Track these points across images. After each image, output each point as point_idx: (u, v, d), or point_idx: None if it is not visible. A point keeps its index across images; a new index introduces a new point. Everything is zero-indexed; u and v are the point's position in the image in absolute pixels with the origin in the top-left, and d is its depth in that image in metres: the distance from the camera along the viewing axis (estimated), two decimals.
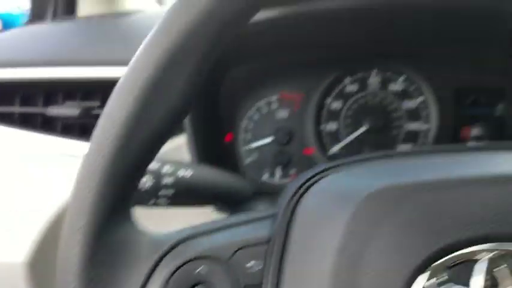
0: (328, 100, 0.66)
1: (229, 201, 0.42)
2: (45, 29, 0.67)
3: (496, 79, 0.63)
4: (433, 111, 0.64)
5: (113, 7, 0.78)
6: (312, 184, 0.28)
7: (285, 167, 0.67)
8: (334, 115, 0.67)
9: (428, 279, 0.23)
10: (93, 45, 0.58)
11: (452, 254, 0.23)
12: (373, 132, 0.65)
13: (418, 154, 0.30)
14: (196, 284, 0.26)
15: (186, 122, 0.55)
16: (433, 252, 0.23)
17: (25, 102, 0.59)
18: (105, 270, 0.25)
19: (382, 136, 0.66)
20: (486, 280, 0.22)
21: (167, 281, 0.26)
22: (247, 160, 0.68)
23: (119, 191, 0.24)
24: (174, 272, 0.26)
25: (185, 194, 0.39)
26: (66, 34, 0.63)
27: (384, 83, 0.65)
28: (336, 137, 0.67)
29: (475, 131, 0.64)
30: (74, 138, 0.55)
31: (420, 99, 0.65)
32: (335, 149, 0.67)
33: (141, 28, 0.62)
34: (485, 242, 0.23)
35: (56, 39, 0.62)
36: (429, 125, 0.64)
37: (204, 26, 0.24)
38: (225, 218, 0.29)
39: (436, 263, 0.23)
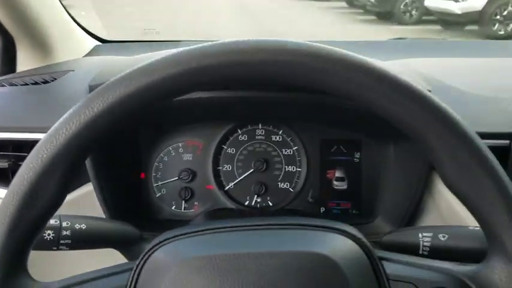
0: (225, 147, 0.83)
1: (119, 244, 0.57)
2: None
3: (354, 133, 0.81)
4: (303, 158, 0.81)
5: (47, 61, 0.91)
6: (162, 245, 0.43)
7: (189, 200, 0.83)
8: (229, 158, 0.83)
9: None
10: (20, 113, 0.72)
11: None
12: (259, 173, 0.82)
13: (231, 229, 0.45)
14: None
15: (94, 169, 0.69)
16: None
17: None
18: None
19: (266, 176, 0.82)
20: None
21: None
22: (158, 194, 0.83)
23: (14, 257, 0.39)
24: None
25: (81, 242, 0.53)
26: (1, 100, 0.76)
27: (268, 135, 0.82)
28: (231, 176, 0.83)
29: (338, 172, 0.82)
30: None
31: (295, 148, 0.82)
32: (230, 185, 0.83)
33: (60, 99, 0.76)
34: None
35: None
36: (301, 168, 0.82)
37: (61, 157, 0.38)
38: (96, 271, 0.44)
39: None
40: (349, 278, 0.39)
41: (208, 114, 0.80)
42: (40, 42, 0.91)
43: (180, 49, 0.39)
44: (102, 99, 0.38)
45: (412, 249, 0.54)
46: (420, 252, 0.54)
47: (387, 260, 0.42)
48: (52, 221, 0.53)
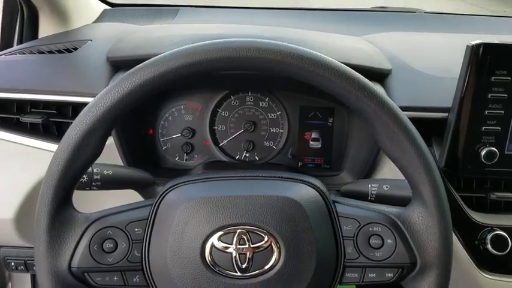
0: (219, 110, 0.98)
1: (137, 186, 0.75)
2: (14, 61, 0.93)
3: (328, 102, 0.96)
4: (285, 121, 0.97)
5: (65, 28, 1.04)
6: (173, 188, 0.59)
7: (190, 153, 1.00)
8: (223, 120, 0.99)
9: (217, 239, 0.54)
10: (50, 78, 0.87)
11: (225, 229, 0.54)
12: (248, 132, 0.98)
13: (225, 179, 0.60)
14: (106, 239, 0.56)
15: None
16: (217, 227, 0.54)
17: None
18: (59, 232, 0.54)
19: (254, 135, 0.99)
20: (239, 241, 0.54)
21: (91, 239, 0.55)
22: (164, 147, 0.99)
23: (64, 194, 0.54)
24: (95, 234, 0.55)
25: (108, 184, 0.70)
26: (30, 65, 0.90)
27: (256, 102, 0.98)
28: (224, 134, 0.99)
29: (314, 134, 0.98)
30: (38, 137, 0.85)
31: (278, 113, 0.98)
32: (224, 142, 1.00)
33: (82, 67, 0.90)
34: (237, 226, 0.54)
35: (22, 70, 0.89)
36: (283, 130, 0.98)
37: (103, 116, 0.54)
38: (124, 205, 0.60)
39: (218, 233, 0.54)
40: (309, 215, 0.56)
41: (206, 83, 0.95)
42: (59, 10, 1.03)
43: (189, 45, 0.53)
44: (130, 81, 0.53)
45: (363, 196, 0.72)
46: (369, 198, 0.72)
47: (339, 202, 0.60)
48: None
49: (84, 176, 0.69)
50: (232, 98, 0.98)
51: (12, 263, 0.90)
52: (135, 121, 0.93)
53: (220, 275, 0.54)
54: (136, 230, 0.57)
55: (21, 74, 0.88)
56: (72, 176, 0.55)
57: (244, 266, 0.54)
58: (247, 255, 0.54)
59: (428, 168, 0.54)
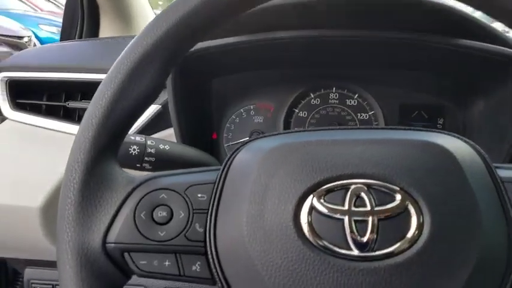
0: (296, 110, 0.81)
1: None
2: (71, 44, 0.84)
3: (435, 98, 0.77)
4: (380, 123, 0.78)
5: (126, 33, 0.95)
6: (248, 143, 0.40)
7: None
8: (300, 122, 0.81)
9: (319, 199, 0.34)
10: (104, 58, 0.75)
11: (332, 183, 0.34)
12: None
13: (320, 130, 0.42)
14: (158, 206, 0.39)
15: (176, 123, 0.68)
16: (317, 181, 0.34)
17: (50, 98, 0.75)
18: (94, 192, 0.37)
19: None
20: (353, 199, 0.34)
21: (137, 204, 0.37)
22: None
23: (107, 140, 0.38)
24: (142, 197, 0.38)
25: (164, 162, 0.53)
26: (86, 48, 0.80)
27: (342, 99, 0.80)
28: None
29: None
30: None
31: (371, 112, 0.78)
32: None
33: None
34: (351, 178, 0.34)
35: (78, 51, 0.79)
36: None
37: (167, 39, 0.38)
38: (184, 170, 0.42)
39: (320, 188, 0.34)
40: (465, 169, 0.35)
41: (280, 76, 0.79)
42: (122, 14, 0.96)
43: None
44: None
45: None
46: None
47: (501, 167, 0.38)
48: (138, 138, 0.53)
49: (134, 147, 0.52)
50: (312, 95, 0.80)
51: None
52: (196, 125, 0.77)
53: (326, 253, 0.33)
54: (199, 196, 0.38)
55: (72, 55, 0.77)
56: (119, 116, 0.38)
57: (364, 239, 0.32)
58: (369, 224, 0.33)
59: None
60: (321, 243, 0.33)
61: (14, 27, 4.63)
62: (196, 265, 0.37)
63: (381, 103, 0.78)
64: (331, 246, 0.33)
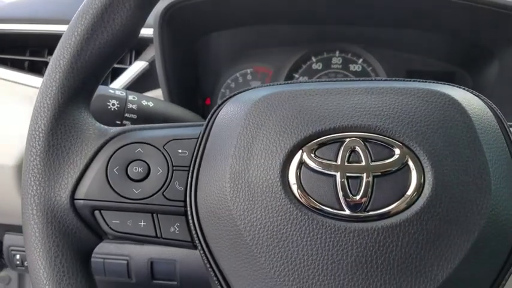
0: (296, 75, 0.76)
1: None
2: None
3: (446, 64, 0.71)
4: None
5: None
6: (238, 93, 0.36)
7: None
8: None
9: (310, 154, 0.30)
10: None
11: (324, 136, 0.30)
12: None
13: (316, 82, 0.37)
14: (133, 161, 0.35)
15: (164, 83, 0.63)
16: (308, 134, 0.30)
17: (33, 53, 0.70)
18: (62, 142, 0.33)
19: None
20: (347, 154, 0.29)
21: (109, 157, 0.34)
22: None
23: (77, 84, 0.33)
24: (116, 150, 0.34)
25: (146, 119, 0.48)
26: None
27: (345, 64, 0.74)
28: None
29: None
30: None
31: None
32: None
33: None
34: (345, 131, 0.30)
35: (63, 3, 0.73)
36: None
37: None
38: (166, 124, 0.38)
39: (311, 142, 0.30)
40: (474, 122, 0.30)
41: (280, 36, 0.74)
42: None
43: None
44: None
45: None
46: None
47: None
48: (118, 92, 0.48)
49: (113, 102, 0.47)
50: (313, 59, 0.75)
51: (18, 256, 0.68)
52: (187, 87, 0.72)
53: (314, 212, 0.29)
54: (180, 151, 0.34)
55: (55, 6, 0.72)
56: (90, 58, 0.34)
57: (357, 199, 0.28)
58: (364, 181, 0.29)
59: None
60: (309, 201, 0.29)
61: None
62: (175, 226, 0.33)
63: (386, 68, 0.73)
64: (320, 205, 0.29)
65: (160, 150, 0.34)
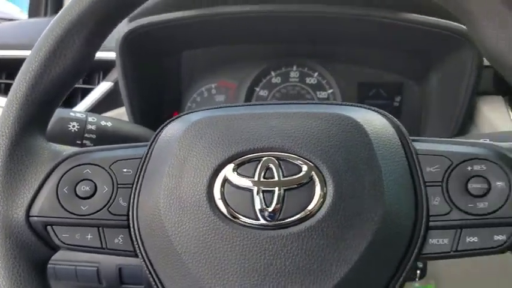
0: (257, 88, 0.81)
1: None
2: (26, 22, 0.83)
3: (395, 75, 0.77)
4: (339, 101, 0.78)
5: None
6: (178, 117, 0.40)
7: None
8: (261, 100, 0.81)
9: (233, 171, 0.34)
10: None
11: (245, 156, 0.34)
12: None
13: (247, 106, 0.42)
14: (82, 180, 0.38)
15: (127, 101, 0.67)
16: (231, 154, 0.35)
17: (10, 76, 0.75)
18: (19, 166, 0.38)
19: None
20: (263, 171, 0.34)
21: (60, 178, 0.38)
22: None
23: (33, 114, 0.38)
24: (66, 172, 0.38)
25: (105, 139, 0.53)
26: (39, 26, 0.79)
27: (302, 77, 0.80)
28: None
29: None
30: None
31: (330, 91, 0.79)
32: None
33: None
34: (263, 151, 0.35)
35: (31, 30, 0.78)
36: None
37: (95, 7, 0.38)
38: (113, 145, 0.42)
39: (234, 161, 0.34)
40: (373, 142, 0.35)
41: (242, 53, 0.79)
42: None
43: None
44: None
45: None
46: None
47: (419, 141, 0.38)
48: (79, 115, 0.53)
49: (74, 124, 0.52)
50: (272, 74, 0.80)
51: None
52: (153, 103, 0.77)
53: (235, 222, 0.33)
54: (124, 170, 0.38)
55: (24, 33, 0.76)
56: (45, 89, 0.39)
57: (270, 209, 0.33)
58: (276, 194, 0.33)
59: None
60: (231, 213, 0.34)
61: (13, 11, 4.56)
62: (119, 238, 0.37)
63: (339, 81, 0.78)
64: (240, 216, 0.34)
65: (106, 170, 0.38)
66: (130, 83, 0.66)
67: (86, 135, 0.52)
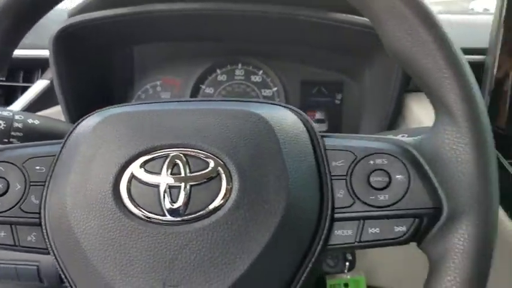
0: (203, 86, 0.81)
1: None
2: None
3: (335, 74, 0.79)
4: (283, 99, 0.79)
5: None
6: (93, 114, 0.40)
7: None
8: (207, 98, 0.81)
9: (140, 167, 0.35)
10: None
11: (152, 153, 0.35)
12: None
13: (170, 100, 0.42)
14: None
15: (62, 99, 0.66)
16: (139, 150, 0.35)
17: None
18: None
19: None
20: (170, 167, 0.35)
21: None
22: None
23: None
24: None
25: (32, 137, 0.52)
26: None
27: (247, 75, 0.81)
28: None
29: (318, 114, 0.80)
30: None
31: (275, 89, 0.80)
32: None
33: None
34: (170, 148, 0.35)
35: None
36: None
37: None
38: (29, 143, 0.42)
39: (142, 157, 0.35)
40: (280, 138, 0.36)
41: (186, 50, 0.79)
42: None
43: None
44: None
45: None
46: None
47: (330, 137, 0.39)
48: (5, 113, 0.52)
49: (0, 122, 0.51)
50: (218, 71, 0.81)
51: None
52: (98, 101, 0.76)
53: (141, 219, 0.34)
54: (37, 168, 0.38)
55: None
56: None
57: (176, 205, 0.34)
58: (182, 190, 0.34)
59: (458, 69, 0.34)
60: (137, 210, 0.34)
61: None
62: (32, 236, 0.37)
63: (283, 79, 0.79)
64: (146, 213, 0.34)
65: (19, 168, 0.38)
66: (65, 81, 0.65)
67: (13, 133, 0.51)
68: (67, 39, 0.63)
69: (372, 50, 0.66)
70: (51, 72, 0.68)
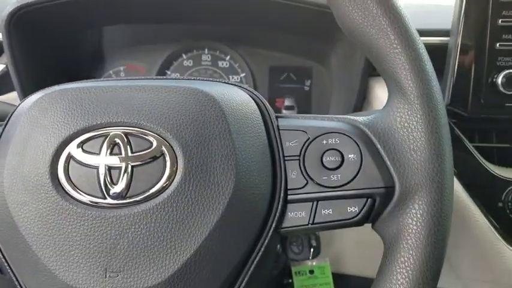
0: (168, 72, 0.79)
1: None
2: None
3: (303, 60, 0.77)
4: (251, 85, 0.78)
5: None
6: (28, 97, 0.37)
7: None
8: None
9: (77, 147, 0.33)
10: None
11: (91, 131, 0.33)
12: None
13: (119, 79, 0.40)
14: None
15: (17, 85, 0.63)
16: (77, 129, 0.33)
17: None
18: None
19: None
20: (110, 147, 0.33)
21: None
22: None
23: None
24: None
25: None
26: None
27: (214, 61, 0.79)
28: None
29: (288, 101, 0.78)
30: None
31: (242, 74, 0.78)
32: None
33: None
34: (110, 126, 0.33)
35: None
36: None
37: None
38: None
39: (80, 137, 0.33)
40: (228, 117, 0.34)
41: (150, 34, 0.77)
42: None
43: None
44: None
45: None
46: None
47: (284, 117, 0.38)
48: None
49: None
50: (184, 56, 0.79)
51: None
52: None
53: (80, 202, 0.32)
54: None
55: None
56: None
57: (117, 188, 0.32)
58: (123, 171, 0.32)
59: (410, 44, 0.33)
60: (76, 192, 0.32)
61: None
62: None
63: (251, 65, 0.78)
64: (86, 195, 0.32)
65: None
66: (22, 65, 0.62)
67: None
68: (20, 22, 0.60)
69: (336, 34, 0.65)
70: (5, 57, 0.65)
